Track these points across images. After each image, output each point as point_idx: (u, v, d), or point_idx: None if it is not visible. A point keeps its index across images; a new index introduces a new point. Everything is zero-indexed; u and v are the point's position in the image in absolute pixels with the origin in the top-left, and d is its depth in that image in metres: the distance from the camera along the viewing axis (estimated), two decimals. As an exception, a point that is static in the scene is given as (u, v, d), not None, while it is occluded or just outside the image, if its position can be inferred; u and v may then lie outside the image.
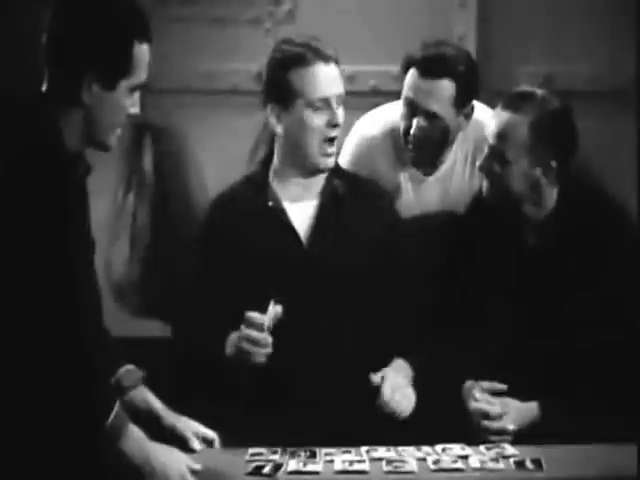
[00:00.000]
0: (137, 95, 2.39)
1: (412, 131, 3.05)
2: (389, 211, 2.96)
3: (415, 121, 3.04)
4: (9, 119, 2.33)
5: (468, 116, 3.10)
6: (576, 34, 4.04)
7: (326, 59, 2.78)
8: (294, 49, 2.79)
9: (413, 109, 3.05)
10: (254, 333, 2.65)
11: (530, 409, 2.78)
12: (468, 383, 2.81)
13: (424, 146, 3.07)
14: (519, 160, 2.80)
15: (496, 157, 2.82)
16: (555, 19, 4.06)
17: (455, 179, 3.18)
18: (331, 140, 2.80)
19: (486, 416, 2.75)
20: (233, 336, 2.73)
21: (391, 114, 3.18)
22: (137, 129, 3.99)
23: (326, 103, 2.78)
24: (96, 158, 2.48)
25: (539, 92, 2.85)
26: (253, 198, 2.87)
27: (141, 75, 2.36)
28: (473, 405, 2.78)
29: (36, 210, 2.21)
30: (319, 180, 2.88)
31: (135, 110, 2.39)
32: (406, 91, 3.07)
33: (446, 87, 3.02)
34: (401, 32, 3.79)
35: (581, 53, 4.05)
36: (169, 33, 3.99)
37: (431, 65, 3.02)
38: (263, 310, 2.66)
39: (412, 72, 3.05)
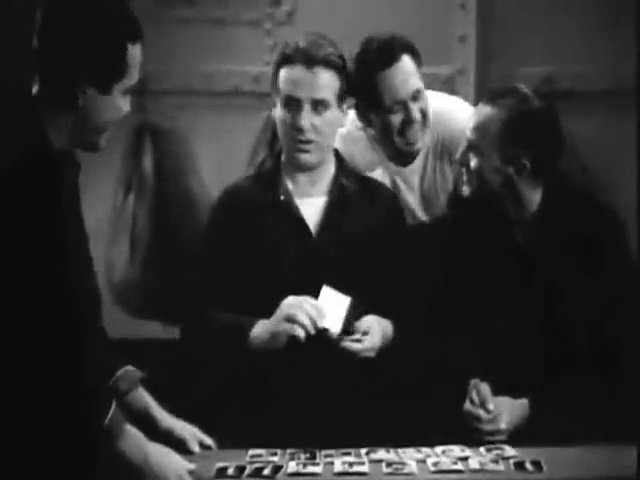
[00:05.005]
0: (129, 95, 2.37)
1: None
2: (395, 209, 2.96)
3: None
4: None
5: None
6: (576, 34, 4.05)
7: (310, 63, 2.76)
8: (287, 51, 2.79)
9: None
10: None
11: (522, 406, 2.78)
12: (473, 382, 2.81)
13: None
14: (491, 153, 2.80)
15: (472, 149, 2.83)
16: (555, 19, 4.07)
17: (429, 170, 3.18)
18: (303, 141, 2.79)
19: (478, 419, 2.75)
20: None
21: None
22: (138, 130, 4.00)
23: (296, 104, 2.77)
24: (96, 159, 2.48)
25: (522, 90, 2.83)
26: (264, 191, 2.87)
27: (134, 76, 2.34)
28: (466, 407, 2.77)
29: (30, 211, 2.20)
30: (327, 177, 2.88)
31: (127, 109, 2.37)
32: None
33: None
34: (401, 33, 3.79)
35: (581, 53, 4.06)
36: (169, 34, 4.01)
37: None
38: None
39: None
